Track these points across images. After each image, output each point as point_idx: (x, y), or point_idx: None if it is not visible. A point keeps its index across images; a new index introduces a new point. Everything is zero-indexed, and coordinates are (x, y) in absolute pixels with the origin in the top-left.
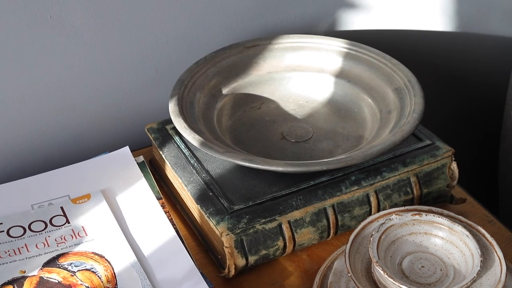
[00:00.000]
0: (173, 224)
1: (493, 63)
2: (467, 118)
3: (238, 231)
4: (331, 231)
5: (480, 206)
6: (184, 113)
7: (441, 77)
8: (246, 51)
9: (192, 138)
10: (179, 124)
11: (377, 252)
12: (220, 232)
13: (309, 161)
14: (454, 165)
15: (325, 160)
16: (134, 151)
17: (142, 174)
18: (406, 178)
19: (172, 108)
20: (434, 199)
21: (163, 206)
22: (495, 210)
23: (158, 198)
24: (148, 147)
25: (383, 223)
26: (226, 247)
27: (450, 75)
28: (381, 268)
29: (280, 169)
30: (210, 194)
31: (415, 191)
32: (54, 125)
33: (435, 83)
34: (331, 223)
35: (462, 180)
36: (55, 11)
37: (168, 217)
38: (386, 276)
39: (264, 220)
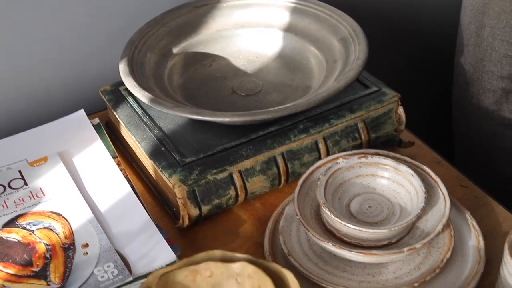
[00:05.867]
0: (129, 181)
1: (442, 13)
2: (419, 67)
3: (190, 182)
4: (282, 179)
5: (429, 148)
6: (134, 73)
7: (391, 28)
8: (196, 11)
9: (142, 95)
10: (129, 83)
11: (325, 195)
12: (173, 184)
13: (255, 110)
14: (400, 110)
15: (270, 109)
16: (91, 114)
17: (98, 136)
18: (353, 124)
19: (122, 68)
20: (383, 143)
21: (118, 165)
22: (452, 155)
23: (114, 157)
24: (105, 110)
25: (330, 167)
26: (179, 198)
27: (400, 26)
28: (328, 209)
29: (227, 119)
30: (163, 149)
31: (363, 136)
32: (9, 92)
33: (385, 34)
34: (281, 170)
35: (417, 128)
36: None
37: (124, 174)
38: (333, 216)
39: (215, 171)
